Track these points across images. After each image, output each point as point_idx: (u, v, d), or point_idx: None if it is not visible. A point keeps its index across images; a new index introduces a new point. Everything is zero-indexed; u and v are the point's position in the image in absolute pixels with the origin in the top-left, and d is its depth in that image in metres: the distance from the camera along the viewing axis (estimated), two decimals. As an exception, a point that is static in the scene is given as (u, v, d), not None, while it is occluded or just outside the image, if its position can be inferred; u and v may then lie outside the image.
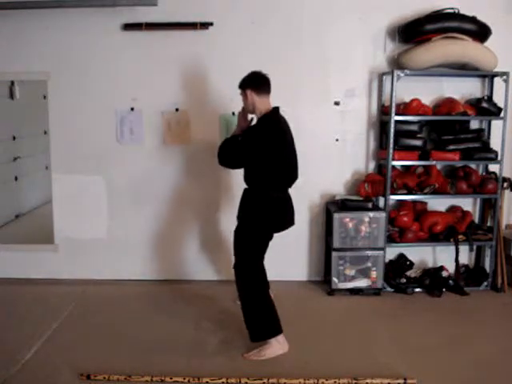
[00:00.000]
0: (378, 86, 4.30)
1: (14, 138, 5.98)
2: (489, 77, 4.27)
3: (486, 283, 4.30)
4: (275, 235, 3.25)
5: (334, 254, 4.09)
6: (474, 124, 4.37)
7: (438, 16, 4.00)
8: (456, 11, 4.02)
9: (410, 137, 4.13)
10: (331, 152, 4.36)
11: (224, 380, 2.82)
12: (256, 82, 3.13)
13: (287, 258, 4.33)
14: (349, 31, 4.21)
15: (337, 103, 4.31)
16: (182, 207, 4.40)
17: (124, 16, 4.13)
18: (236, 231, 3.21)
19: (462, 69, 4.14)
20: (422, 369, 2.98)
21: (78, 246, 4.42)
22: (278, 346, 3.11)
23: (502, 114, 4.13)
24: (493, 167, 4.34)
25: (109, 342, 3.30)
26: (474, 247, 4.42)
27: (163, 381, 2.82)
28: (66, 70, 4.23)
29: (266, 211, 3.11)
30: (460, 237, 4.22)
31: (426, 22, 3.97)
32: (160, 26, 4.12)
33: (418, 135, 4.18)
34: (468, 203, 4.49)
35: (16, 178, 6.05)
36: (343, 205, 4.11)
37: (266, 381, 2.81)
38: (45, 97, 4.58)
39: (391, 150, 4.07)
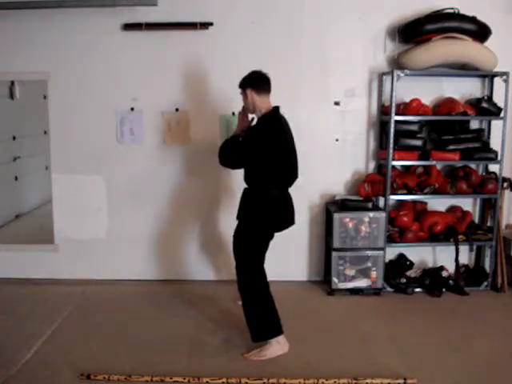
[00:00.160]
0: (377, 86, 4.30)
1: (14, 138, 5.98)
2: (489, 77, 4.27)
3: (486, 283, 4.30)
4: (275, 235, 3.25)
5: (333, 253, 4.09)
6: (474, 124, 4.37)
7: (438, 16, 4.00)
8: (456, 11, 4.02)
9: (410, 137, 4.13)
10: (331, 152, 4.36)
11: (224, 380, 2.82)
12: (256, 82, 3.13)
13: (287, 258, 4.34)
14: (349, 31, 4.22)
15: (337, 103, 4.31)
16: (182, 207, 4.40)
17: (124, 16, 4.13)
18: (236, 232, 3.20)
19: (462, 69, 4.14)
20: (421, 369, 2.98)
21: (77, 246, 4.43)
22: (278, 347, 3.11)
23: (501, 114, 4.13)
24: (493, 167, 4.34)
25: (109, 342, 3.30)
26: (474, 247, 4.42)
27: (163, 381, 2.82)
28: (65, 70, 4.23)
29: (266, 210, 3.11)
30: (460, 237, 4.22)
31: (426, 22, 3.97)
32: (160, 25, 4.12)
33: (418, 135, 4.18)
34: (468, 203, 4.49)
35: (16, 178, 6.05)
36: (343, 205, 4.11)
37: (266, 381, 2.81)
38: (45, 97, 4.59)
39: (391, 150, 4.07)
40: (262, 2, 4.18)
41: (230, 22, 4.17)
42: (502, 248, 4.29)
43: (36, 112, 5.54)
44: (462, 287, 4.19)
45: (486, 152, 4.16)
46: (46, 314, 3.72)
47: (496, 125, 4.23)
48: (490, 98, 4.23)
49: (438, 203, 4.44)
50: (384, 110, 4.25)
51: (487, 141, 4.27)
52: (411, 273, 4.33)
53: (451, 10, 4.01)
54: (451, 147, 4.14)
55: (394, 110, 4.03)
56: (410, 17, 4.09)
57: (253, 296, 3.13)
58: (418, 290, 4.20)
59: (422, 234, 4.27)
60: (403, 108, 4.12)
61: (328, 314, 3.83)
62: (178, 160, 4.34)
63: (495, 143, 4.20)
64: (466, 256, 4.47)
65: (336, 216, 4.05)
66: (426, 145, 4.18)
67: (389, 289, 4.22)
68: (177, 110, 4.26)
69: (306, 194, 4.30)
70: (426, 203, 4.41)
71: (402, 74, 4.02)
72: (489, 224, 4.42)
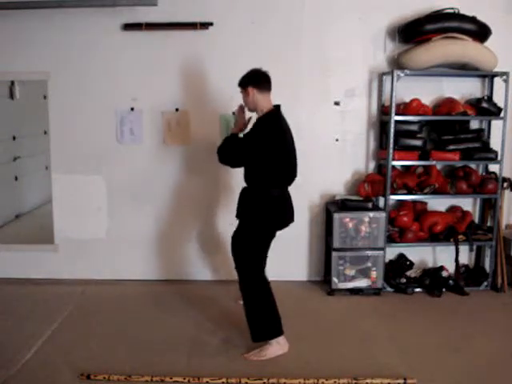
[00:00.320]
0: (377, 86, 4.30)
1: (14, 138, 5.98)
2: (489, 77, 4.27)
3: (485, 283, 4.30)
4: (276, 234, 3.25)
5: (333, 253, 4.09)
6: (474, 124, 4.37)
7: (438, 16, 4.00)
8: (456, 11, 4.02)
9: (410, 137, 4.13)
10: (331, 152, 4.36)
11: (224, 380, 2.82)
12: (257, 79, 3.12)
13: (287, 257, 4.33)
14: (349, 31, 4.22)
15: (337, 103, 4.31)
16: (182, 207, 4.40)
17: (124, 16, 4.13)
18: (237, 232, 3.19)
19: (462, 69, 4.14)
20: (421, 369, 2.98)
21: (77, 246, 4.43)
22: (278, 347, 3.11)
23: (501, 114, 4.13)
24: (493, 167, 4.34)
25: (109, 342, 3.30)
26: (474, 247, 4.42)
27: (163, 381, 2.82)
28: (65, 70, 4.23)
29: (267, 209, 3.10)
30: (460, 237, 4.22)
31: (426, 22, 3.97)
32: (160, 25, 4.12)
33: (418, 135, 4.18)
34: (468, 203, 4.49)
35: (16, 178, 6.05)
36: (343, 205, 4.11)
37: (266, 381, 2.81)
38: (45, 97, 4.59)
39: (391, 150, 4.07)
40: (262, 2, 4.18)
41: (229, 22, 4.17)
42: (502, 248, 4.29)
43: (36, 112, 5.54)
44: (462, 287, 4.19)
45: (485, 152, 4.16)
46: (45, 314, 3.72)
47: (496, 125, 4.23)
48: (490, 98, 4.23)
49: (438, 203, 4.44)
50: (384, 110, 4.25)
51: (487, 141, 4.27)
52: (411, 273, 4.33)
53: (451, 10, 4.01)
54: (451, 147, 4.14)
55: (394, 109, 4.03)
56: (410, 17, 4.09)
57: (254, 296, 3.13)
58: (418, 290, 4.20)
59: (422, 233, 4.26)
60: (403, 108, 4.12)
61: (328, 313, 3.83)
62: (178, 160, 4.34)
63: (495, 143, 4.20)
64: (466, 256, 4.47)
65: (336, 216, 4.05)
66: (426, 145, 4.18)
67: (389, 289, 4.22)
68: (177, 110, 4.26)
69: (306, 194, 4.30)
70: (426, 203, 4.41)
71: (401, 74, 4.02)
72: (489, 224, 4.42)
